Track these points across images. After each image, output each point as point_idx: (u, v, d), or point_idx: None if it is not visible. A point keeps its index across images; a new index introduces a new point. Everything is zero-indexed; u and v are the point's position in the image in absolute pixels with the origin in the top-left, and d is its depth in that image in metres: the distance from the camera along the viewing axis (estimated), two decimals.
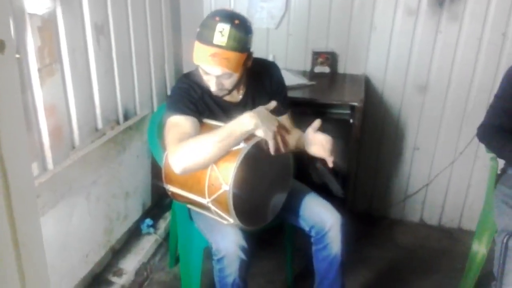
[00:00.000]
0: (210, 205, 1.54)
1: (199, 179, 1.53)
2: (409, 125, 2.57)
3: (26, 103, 1.52)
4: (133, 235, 2.31)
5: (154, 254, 2.33)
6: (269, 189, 1.65)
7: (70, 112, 1.77)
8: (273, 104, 1.61)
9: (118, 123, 2.10)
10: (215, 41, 1.45)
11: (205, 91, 1.62)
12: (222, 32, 1.44)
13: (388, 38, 2.43)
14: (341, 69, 2.55)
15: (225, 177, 1.47)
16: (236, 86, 1.62)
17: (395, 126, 2.59)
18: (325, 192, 2.42)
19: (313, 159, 2.56)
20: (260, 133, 1.49)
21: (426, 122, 2.54)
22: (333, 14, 2.46)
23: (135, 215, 2.20)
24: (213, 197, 1.51)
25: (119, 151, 1.96)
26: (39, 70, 1.54)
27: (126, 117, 2.15)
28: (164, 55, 2.47)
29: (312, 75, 2.49)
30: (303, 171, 2.50)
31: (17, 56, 1.41)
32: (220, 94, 1.61)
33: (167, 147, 1.54)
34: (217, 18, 1.46)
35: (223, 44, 1.45)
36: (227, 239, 1.57)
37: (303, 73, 2.51)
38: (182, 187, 1.62)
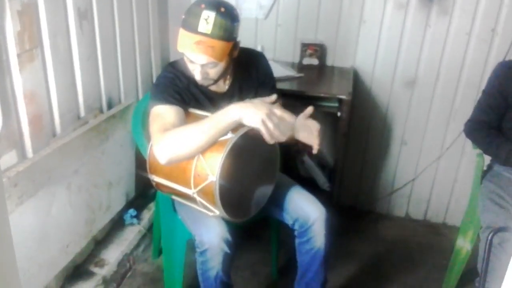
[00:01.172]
0: (195, 196, 1.51)
1: (185, 169, 1.50)
2: (397, 119, 2.56)
3: (4, 89, 1.46)
4: (116, 225, 2.28)
5: (137, 245, 2.30)
6: (256, 181, 1.63)
7: (51, 99, 1.72)
8: (273, 97, 1.59)
9: (101, 111, 2.05)
10: (200, 29, 1.41)
11: (191, 80, 1.59)
12: (207, 19, 1.41)
13: (377, 32, 2.41)
14: (329, 61, 2.52)
15: (212, 168, 1.44)
16: (222, 76, 1.58)
17: (382, 120, 2.58)
18: (311, 185, 2.42)
19: (300, 152, 2.57)
20: (247, 122, 1.45)
21: (414, 117, 2.53)
22: (322, 6, 2.43)
23: (118, 205, 2.16)
24: (199, 187, 1.48)
25: (102, 140, 1.91)
26: (19, 55, 1.49)
27: (110, 105, 2.11)
28: (150, 42, 2.42)
29: (300, 67, 2.46)
30: (289, 164, 2.49)
31: None
32: (205, 83, 1.58)
33: (152, 137, 1.51)
34: (203, 5, 1.42)
35: (208, 32, 1.41)
36: (211, 231, 1.55)
37: (292, 65, 2.48)
38: (167, 177, 1.59)
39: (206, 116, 1.50)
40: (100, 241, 2.17)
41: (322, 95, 2.16)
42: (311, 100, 2.19)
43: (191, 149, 1.43)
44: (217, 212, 1.50)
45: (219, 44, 1.43)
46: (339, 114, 2.15)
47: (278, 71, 2.27)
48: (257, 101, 1.52)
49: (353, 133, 2.60)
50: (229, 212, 1.50)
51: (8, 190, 1.39)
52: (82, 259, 2.03)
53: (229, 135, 1.45)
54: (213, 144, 1.45)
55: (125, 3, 2.12)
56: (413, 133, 2.57)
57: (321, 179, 2.52)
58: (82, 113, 1.92)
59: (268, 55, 2.52)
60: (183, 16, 1.47)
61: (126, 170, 2.17)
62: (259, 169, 1.63)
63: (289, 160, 2.47)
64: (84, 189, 1.83)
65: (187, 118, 1.57)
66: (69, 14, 1.76)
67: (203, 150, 1.45)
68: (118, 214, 2.24)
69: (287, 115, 1.50)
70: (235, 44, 1.53)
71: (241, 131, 1.46)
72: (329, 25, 2.46)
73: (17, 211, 1.44)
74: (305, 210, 1.70)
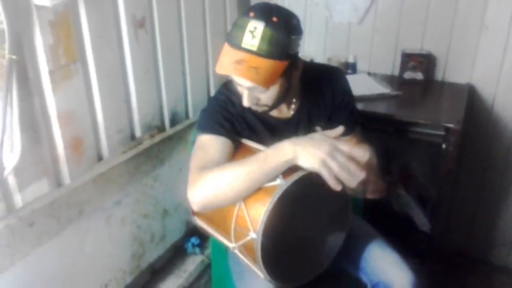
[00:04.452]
0: (237, 251, 1.23)
1: (226, 216, 1.22)
2: None
3: (31, 111, 1.29)
4: (177, 254, 2.06)
5: (198, 277, 2.06)
6: (317, 234, 1.28)
7: (97, 120, 1.54)
8: (339, 130, 1.19)
9: (162, 129, 1.84)
10: (243, 44, 1.10)
11: None
12: (254, 32, 1.09)
13: (504, 41, 1.94)
14: (438, 76, 2.09)
15: (254, 222, 1.13)
16: (280, 101, 1.26)
17: (505, 152, 2.09)
18: (407, 224, 2.02)
19: (395, 184, 2.15)
20: (303, 163, 1.10)
21: None
22: (432, 7, 2.01)
23: (176, 234, 1.95)
24: (240, 242, 1.19)
25: (154, 165, 1.70)
26: (51, 72, 1.31)
27: (174, 122, 1.89)
28: None
29: (400, 82, 2.06)
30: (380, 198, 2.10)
31: (13, 57, 1.17)
32: (258, 110, 1.27)
33: (189, 176, 1.24)
34: (251, 14, 1.11)
35: (253, 48, 1.10)
36: None
37: (390, 79, 2.08)
38: (209, 222, 1.33)
39: (261, 150, 1.19)
40: (158, 271, 1.97)
41: (421, 121, 1.72)
42: (409, 126, 1.78)
43: (228, 195, 1.14)
44: (261, 276, 1.19)
45: (265, 64, 1.11)
46: (444, 146, 1.70)
47: (370, 87, 1.89)
48: (319, 135, 1.16)
49: (466, 167, 2.13)
50: (276, 277, 1.18)
51: (20, 231, 1.21)
52: None
53: (278, 181, 1.13)
54: (259, 189, 1.14)
55: (195, 5, 1.89)
56: None
57: (420, 219, 2.08)
58: (138, 132, 1.73)
59: (362, 67, 2.15)
60: (230, 27, 1.17)
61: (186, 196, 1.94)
62: (321, 219, 1.27)
63: None
64: (130, 220, 1.62)
65: (239, 151, 1.29)
66: (122, 23, 1.56)
67: (245, 196, 1.15)
68: (180, 241, 2.02)
69: (358, 152, 1.11)
70: (293, 63, 1.19)
71: (294, 177, 1.12)
72: (439, 31, 2.04)
73: (34, 253, 1.26)
74: (387, 274, 1.35)
